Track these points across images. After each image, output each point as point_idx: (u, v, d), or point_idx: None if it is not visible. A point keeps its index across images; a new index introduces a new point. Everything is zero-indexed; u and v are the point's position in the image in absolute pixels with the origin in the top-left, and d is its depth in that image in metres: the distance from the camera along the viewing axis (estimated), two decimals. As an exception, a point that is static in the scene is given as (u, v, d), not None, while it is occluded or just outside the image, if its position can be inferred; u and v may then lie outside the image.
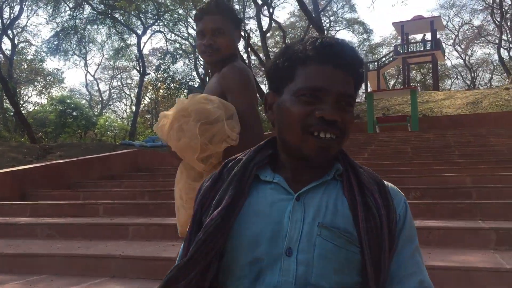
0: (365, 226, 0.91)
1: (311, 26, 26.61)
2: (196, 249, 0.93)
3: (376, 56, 37.01)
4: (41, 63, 31.03)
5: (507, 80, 30.97)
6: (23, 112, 20.13)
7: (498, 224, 4.02)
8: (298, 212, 0.94)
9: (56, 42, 25.07)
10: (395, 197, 0.98)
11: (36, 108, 32.05)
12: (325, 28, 30.23)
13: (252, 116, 1.84)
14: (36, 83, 34.45)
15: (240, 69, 1.90)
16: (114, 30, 25.12)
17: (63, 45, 25.39)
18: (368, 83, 30.24)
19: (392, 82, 39.73)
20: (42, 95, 35.77)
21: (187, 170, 1.82)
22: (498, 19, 31.24)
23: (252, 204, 0.97)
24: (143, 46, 35.60)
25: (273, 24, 25.99)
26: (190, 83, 28.99)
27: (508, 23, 32.21)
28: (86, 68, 42.10)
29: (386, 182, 1.02)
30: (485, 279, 3.04)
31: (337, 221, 0.92)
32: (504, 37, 32.93)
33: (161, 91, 29.14)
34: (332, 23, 35.37)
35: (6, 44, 29.89)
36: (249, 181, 0.99)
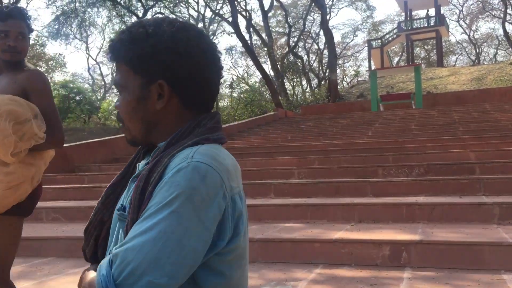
0: (128, 202, 0.86)
1: (313, 4, 26.31)
2: (90, 221, 1.03)
3: (380, 33, 36.59)
4: (42, 48, 30.94)
5: (512, 55, 30.63)
6: (26, 97, 20.11)
7: (501, 199, 4.01)
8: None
9: (56, 26, 24.96)
10: (171, 166, 0.82)
11: (39, 93, 31.96)
12: (327, 5, 29.85)
13: (56, 116, 2.10)
14: (38, 68, 34.34)
15: (43, 73, 2.19)
16: (114, 13, 24.90)
17: (64, 29, 25.29)
18: (371, 61, 29.98)
19: (396, 59, 39.38)
20: (45, 80, 35.68)
21: None
22: (503, -7, 30.74)
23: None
24: (144, 29, 35.13)
25: (275, 3, 25.67)
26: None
27: (514, -3, 31.68)
28: (87, 52, 41.95)
29: (192, 151, 0.83)
30: (488, 253, 3.05)
31: (126, 202, 0.92)
32: (509, 11, 32.43)
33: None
34: (334, 0, 34.95)
35: (7, 30, 29.72)
36: (136, 161, 1.04)
